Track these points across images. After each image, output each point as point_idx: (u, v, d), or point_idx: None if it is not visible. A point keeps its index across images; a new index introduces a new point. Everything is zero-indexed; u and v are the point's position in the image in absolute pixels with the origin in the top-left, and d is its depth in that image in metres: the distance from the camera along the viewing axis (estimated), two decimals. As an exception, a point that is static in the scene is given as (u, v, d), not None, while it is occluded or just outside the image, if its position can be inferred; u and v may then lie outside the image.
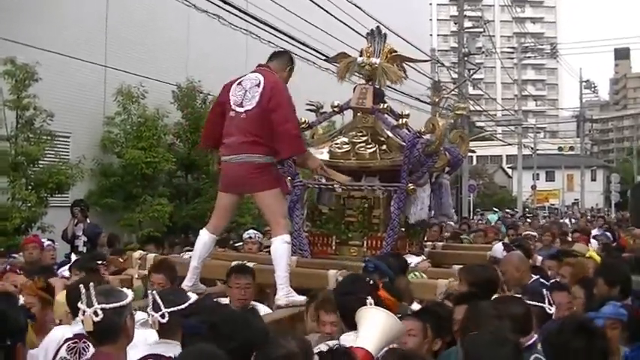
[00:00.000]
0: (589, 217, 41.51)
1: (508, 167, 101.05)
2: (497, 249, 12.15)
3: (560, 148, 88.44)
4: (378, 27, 10.59)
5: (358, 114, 10.35)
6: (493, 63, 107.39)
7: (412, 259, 9.71)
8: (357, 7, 24.61)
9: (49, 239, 13.81)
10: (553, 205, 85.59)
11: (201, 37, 24.40)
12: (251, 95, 8.10)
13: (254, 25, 21.26)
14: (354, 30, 24.25)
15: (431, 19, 69.73)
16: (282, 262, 7.79)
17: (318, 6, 21.74)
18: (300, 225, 9.74)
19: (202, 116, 21.55)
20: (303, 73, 23.27)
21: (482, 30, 49.26)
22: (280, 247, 7.88)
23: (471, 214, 47.65)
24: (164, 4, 20.81)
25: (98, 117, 20.52)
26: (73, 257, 11.79)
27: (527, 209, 68.13)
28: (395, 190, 9.63)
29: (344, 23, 23.77)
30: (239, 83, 8.28)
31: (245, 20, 20.91)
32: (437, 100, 10.20)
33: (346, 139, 10.21)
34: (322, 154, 10.00)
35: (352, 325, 5.30)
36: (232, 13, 20.06)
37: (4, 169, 16.15)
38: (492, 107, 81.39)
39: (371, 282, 5.74)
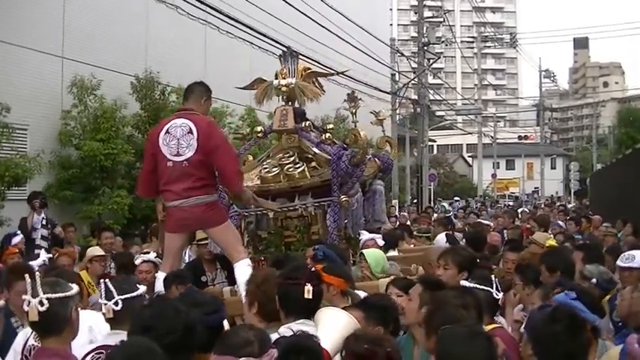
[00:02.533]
0: (543, 206, 41.68)
1: (468, 156, 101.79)
2: (440, 239, 12.28)
3: (520, 137, 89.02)
4: (289, 47, 10.69)
5: (283, 135, 10.37)
6: (453, 52, 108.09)
7: (364, 235, 10.13)
8: (317, -4, 24.61)
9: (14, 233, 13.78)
10: (513, 193, 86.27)
11: (160, 27, 24.26)
12: (186, 143, 8.24)
13: (213, 15, 21.18)
14: (312, 20, 24.29)
15: (391, 9, 69.80)
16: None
17: (276, -5, 21.71)
18: None
19: (161, 107, 21.53)
20: (263, 63, 23.39)
21: (442, 19, 49.48)
22: (245, 270, 7.94)
23: (432, 202, 47.89)
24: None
25: (56, 109, 20.30)
26: (43, 254, 11.74)
27: (487, 197, 68.64)
28: (328, 205, 9.68)
29: (303, 13, 23.73)
30: (167, 132, 8.33)
31: (203, 10, 20.82)
32: (354, 110, 10.14)
33: (275, 162, 10.24)
34: (253, 180, 10.08)
35: (291, 314, 5.33)
36: (191, 3, 19.97)
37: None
38: (452, 96, 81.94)
39: (312, 269, 5.75)
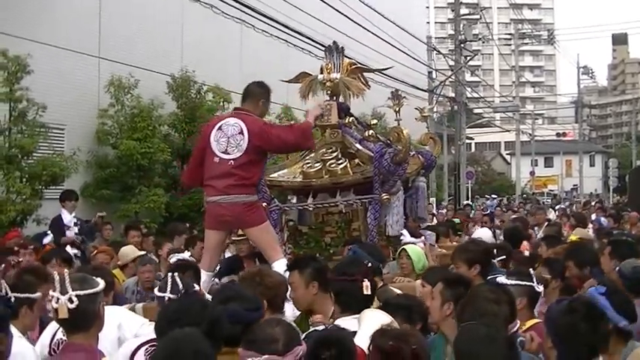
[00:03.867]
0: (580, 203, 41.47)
1: (506, 154, 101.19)
2: (482, 234, 12.19)
3: (558, 134, 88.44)
4: (334, 42, 10.51)
5: (326, 130, 10.32)
6: (491, 50, 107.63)
7: (405, 237, 10.01)
8: (352, -6, 24.57)
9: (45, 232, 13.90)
10: (552, 191, 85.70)
11: (196, 26, 24.34)
12: (235, 143, 8.42)
13: (248, 14, 21.19)
14: (349, 18, 24.24)
15: (428, 7, 69.64)
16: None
17: (313, -6, 21.68)
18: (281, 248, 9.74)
19: (197, 106, 21.62)
20: (299, 61, 23.38)
21: (478, 17, 49.24)
22: (283, 270, 7.95)
23: (471, 200, 47.69)
24: (158, -6, 20.80)
25: (92, 109, 20.45)
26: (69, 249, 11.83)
27: (525, 195, 68.24)
28: (370, 202, 9.65)
29: (338, 11, 23.67)
30: (219, 128, 8.53)
31: (238, 9, 20.84)
32: (397, 109, 10.06)
33: (317, 157, 10.20)
34: (294, 175, 10.07)
35: (346, 308, 5.34)
36: (226, 2, 19.98)
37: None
38: (490, 94, 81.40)
39: (369, 264, 5.74)
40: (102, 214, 16.16)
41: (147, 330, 5.19)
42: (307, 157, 10.43)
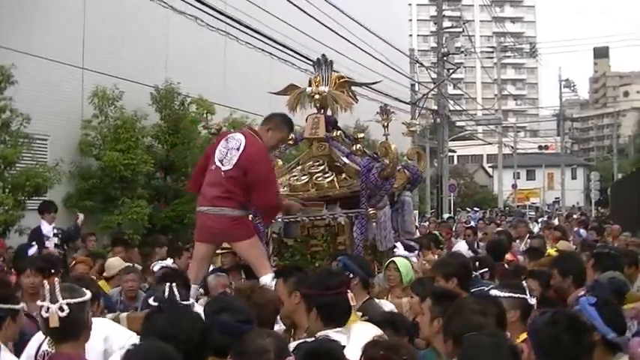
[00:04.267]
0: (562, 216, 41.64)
1: (489, 166, 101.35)
2: (460, 247, 12.24)
3: (540, 147, 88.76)
4: (323, 55, 10.51)
5: (313, 143, 10.35)
6: (473, 63, 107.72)
7: (399, 250, 9.93)
8: (336, 7, 24.62)
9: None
10: (534, 203, 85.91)
11: (180, 38, 24.34)
12: (230, 156, 8.47)
13: (231, 26, 21.25)
14: (332, 30, 24.32)
15: (410, 20, 69.80)
16: None
17: (296, 6, 21.70)
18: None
19: (181, 118, 21.62)
20: (282, 73, 23.41)
21: (461, 30, 49.42)
22: (270, 284, 7.94)
23: (453, 212, 47.75)
24: (143, 5, 20.75)
25: (76, 119, 20.42)
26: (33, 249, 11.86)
27: (507, 208, 68.42)
28: (356, 216, 9.66)
29: (322, 24, 23.76)
30: (226, 139, 8.64)
31: (223, 21, 20.90)
32: (385, 124, 10.09)
33: (304, 170, 10.22)
34: (281, 187, 10.08)
35: (330, 321, 5.38)
36: (210, 15, 20.03)
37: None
38: (473, 107, 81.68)
39: (350, 276, 5.77)
40: (80, 218, 16.06)
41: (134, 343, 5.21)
42: (294, 170, 10.45)
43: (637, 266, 10.27)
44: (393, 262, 9.16)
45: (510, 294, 6.10)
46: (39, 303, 4.63)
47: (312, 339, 4.77)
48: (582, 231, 21.58)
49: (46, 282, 4.73)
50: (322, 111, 10.20)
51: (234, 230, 8.50)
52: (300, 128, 10.39)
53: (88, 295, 4.78)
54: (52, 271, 8.48)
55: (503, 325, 5.27)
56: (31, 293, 7.84)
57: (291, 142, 10.49)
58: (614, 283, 7.61)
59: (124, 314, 7.46)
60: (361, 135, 10.88)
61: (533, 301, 6.17)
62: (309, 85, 10.19)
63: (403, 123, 10.99)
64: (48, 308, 4.56)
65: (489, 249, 12.50)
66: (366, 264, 7.98)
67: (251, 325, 4.86)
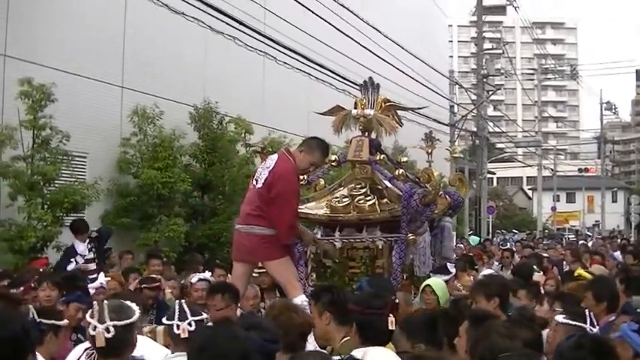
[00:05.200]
0: (600, 239, 41.26)
1: (528, 189, 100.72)
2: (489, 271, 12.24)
3: (580, 170, 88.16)
4: (370, 78, 10.57)
5: (356, 166, 10.37)
6: (514, 84, 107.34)
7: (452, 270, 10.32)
8: (376, 29, 24.64)
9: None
10: (574, 226, 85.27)
11: (219, 58, 24.46)
12: (263, 175, 8.79)
13: (270, 46, 21.34)
14: (371, 52, 24.35)
15: (451, 41, 69.70)
16: None
17: (336, 28, 21.77)
18: (304, 280, 9.77)
19: (219, 137, 21.71)
20: (320, 94, 23.47)
21: (501, 51, 49.30)
22: (302, 305, 8.02)
23: (491, 235, 47.55)
24: (181, 25, 20.86)
25: (115, 137, 20.52)
26: (101, 277, 11.95)
27: (546, 230, 67.95)
28: (395, 241, 9.68)
29: (361, 45, 23.83)
30: (266, 160, 9.07)
31: (261, 42, 20.98)
32: (430, 150, 10.13)
33: (345, 192, 10.24)
34: (322, 208, 10.10)
35: (366, 341, 5.44)
36: (249, 35, 20.13)
37: (21, 188, 16.25)
38: (513, 129, 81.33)
39: (396, 300, 5.79)
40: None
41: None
42: (336, 192, 10.48)
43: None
44: (429, 285, 9.17)
45: (568, 321, 6.20)
46: (88, 319, 4.73)
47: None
48: (617, 254, 21.40)
49: (95, 302, 4.83)
50: (367, 134, 10.25)
51: (263, 249, 8.70)
52: (340, 149, 10.45)
53: (137, 315, 4.87)
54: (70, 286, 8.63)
55: (537, 347, 5.20)
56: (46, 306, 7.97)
57: (334, 163, 10.57)
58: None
59: (161, 328, 7.48)
60: (404, 159, 10.90)
61: (595, 330, 6.18)
62: (355, 107, 10.26)
63: (447, 149, 11.01)
64: (95, 327, 4.63)
65: (515, 272, 12.51)
66: (386, 286, 7.97)
67: (278, 345, 4.88)
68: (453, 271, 10.00)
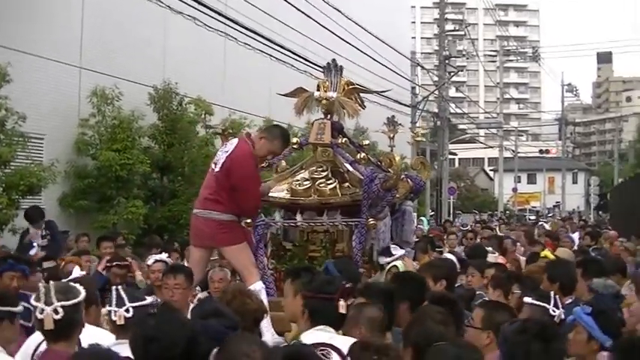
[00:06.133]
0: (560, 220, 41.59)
1: (490, 170, 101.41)
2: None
3: (541, 151, 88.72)
4: (334, 60, 10.46)
5: (318, 148, 10.28)
6: (476, 66, 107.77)
7: (397, 252, 9.87)
8: (337, 9, 24.54)
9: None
10: (534, 207, 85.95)
11: (179, 38, 24.25)
12: (221, 159, 8.74)
13: (231, 27, 21.18)
14: (332, 32, 24.25)
15: (414, 22, 69.80)
16: None
17: (297, 9, 21.63)
18: (264, 263, 9.70)
19: (178, 118, 21.55)
20: (281, 75, 23.37)
21: (463, 33, 49.37)
22: (258, 292, 8.00)
23: (452, 216, 47.72)
24: (140, 5, 20.67)
25: (73, 119, 20.30)
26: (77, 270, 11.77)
27: (507, 211, 68.44)
28: (356, 225, 9.62)
29: (322, 26, 23.70)
30: (226, 144, 9.01)
31: (222, 22, 20.82)
32: (392, 135, 10.09)
33: (307, 175, 10.14)
34: (283, 191, 10.04)
35: (316, 325, 5.40)
36: (209, 15, 19.97)
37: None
38: (475, 110, 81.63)
39: (347, 285, 5.76)
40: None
41: (118, 349, 5.14)
42: (297, 174, 10.40)
43: (623, 274, 10.28)
44: (396, 266, 9.15)
45: (533, 301, 6.46)
46: (33, 303, 4.64)
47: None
48: (573, 235, 21.57)
49: (40, 284, 4.76)
50: (329, 116, 10.16)
51: (221, 234, 8.62)
52: (300, 130, 10.38)
53: (83, 294, 4.83)
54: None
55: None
56: None
57: (295, 146, 10.48)
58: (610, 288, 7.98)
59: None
60: (366, 142, 10.84)
61: (556, 312, 6.38)
62: (318, 90, 10.15)
63: (410, 132, 10.95)
64: (42, 310, 4.55)
65: (469, 254, 12.64)
66: (352, 270, 7.91)
67: (238, 331, 4.81)
68: (397, 253, 9.89)
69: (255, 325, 5.87)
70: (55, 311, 4.57)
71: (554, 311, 6.33)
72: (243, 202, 8.74)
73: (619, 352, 4.69)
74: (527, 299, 6.57)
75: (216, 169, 8.70)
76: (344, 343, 4.98)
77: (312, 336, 5.16)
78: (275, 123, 22.86)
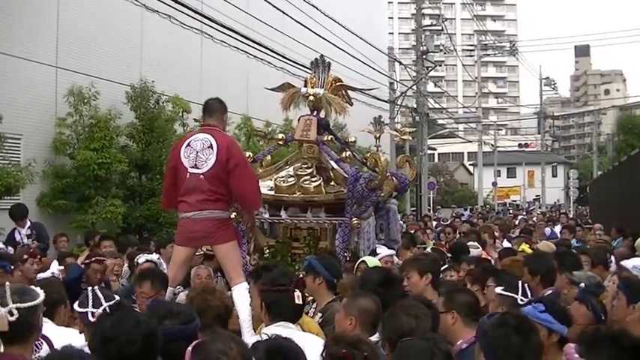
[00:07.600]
0: (539, 215, 41.79)
1: (469, 164, 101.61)
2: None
3: (521, 145, 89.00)
4: (322, 56, 10.47)
5: (303, 145, 10.26)
6: (454, 61, 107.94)
7: (382, 250, 10.05)
8: (313, 6, 24.51)
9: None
10: (514, 201, 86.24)
11: (155, 37, 24.16)
12: (205, 157, 8.48)
13: (207, 25, 21.15)
14: (309, 29, 24.22)
15: (391, 18, 69.83)
16: (245, 308, 7.86)
17: (273, 6, 21.61)
18: (246, 260, 9.69)
19: (156, 116, 21.47)
20: (258, 73, 23.34)
21: (441, 28, 49.43)
22: (243, 294, 8.04)
23: (432, 211, 47.82)
24: (117, 3, 20.61)
25: (49, 118, 20.21)
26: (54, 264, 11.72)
27: (487, 205, 68.61)
28: (339, 224, 9.63)
29: (299, 23, 23.68)
30: (188, 145, 8.60)
31: (198, 20, 20.79)
32: (378, 135, 10.11)
33: (291, 171, 10.14)
34: (267, 187, 10.02)
35: (277, 317, 5.52)
36: (185, 13, 19.93)
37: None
38: (453, 105, 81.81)
39: (299, 276, 5.80)
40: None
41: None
42: (281, 170, 10.40)
43: (605, 267, 10.36)
44: (364, 262, 9.14)
45: (502, 292, 6.65)
46: None
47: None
48: (549, 229, 21.68)
49: None
50: (315, 113, 10.15)
51: (217, 232, 8.54)
52: (278, 127, 10.36)
53: (40, 298, 4.73)
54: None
55: (436, 327, 5.57)
56: None
57: (281, 142, 10.48)
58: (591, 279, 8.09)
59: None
60: (352, 139, 10.86)
61: (524, 301, 6.42)
62: (305, 85, 10.15)
63: (395, 131, 10.95)
64: None
65: (450, 250, 12.68)
66: (334, 265, 7.94)
67: (194, 323, 4.87)
68: (383, 252, 9.93)
69: (219, 323, 5.88)
70: (10, 313, 4.48)
71: (522, 300, 6.42)
72: (247, 183, 8.60)
73: (586, 343, 4.73)
74: (497, 289, 6.74)
75: (204, 169, 8.45)
76: (303, 339, 5.00)
77: (272, 333, 5.19)
78: (252, 119, 23.14)
